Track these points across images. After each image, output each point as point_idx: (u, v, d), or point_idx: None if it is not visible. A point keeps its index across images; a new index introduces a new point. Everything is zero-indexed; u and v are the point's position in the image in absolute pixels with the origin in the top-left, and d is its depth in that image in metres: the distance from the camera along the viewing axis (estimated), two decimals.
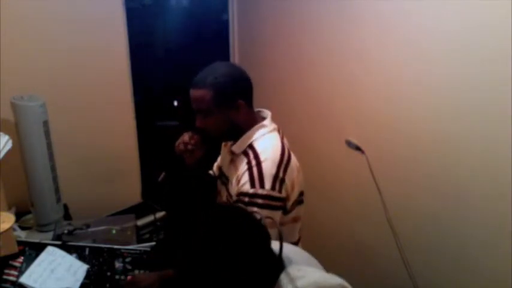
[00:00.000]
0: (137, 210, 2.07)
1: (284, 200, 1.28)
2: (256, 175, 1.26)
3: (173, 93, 2.64)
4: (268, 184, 1.25)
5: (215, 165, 1.65)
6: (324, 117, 2.22)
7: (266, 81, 2.60)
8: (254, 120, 1.39)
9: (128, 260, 1.50)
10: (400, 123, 1.82)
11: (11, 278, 1.33)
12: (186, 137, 1.41)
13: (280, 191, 1.26)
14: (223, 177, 1.51)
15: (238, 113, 1.34)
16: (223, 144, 1.57)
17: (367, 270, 2.11)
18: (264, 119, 1.41)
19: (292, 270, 0.90)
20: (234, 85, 1.33)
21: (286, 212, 1.33)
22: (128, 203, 2.27)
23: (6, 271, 1.35)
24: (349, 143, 2.05)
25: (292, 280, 0.88)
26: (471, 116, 1.55)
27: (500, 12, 1.39)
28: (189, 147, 1.39)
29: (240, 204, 1.26)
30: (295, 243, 1.44)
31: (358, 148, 2.01)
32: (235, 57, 2.81)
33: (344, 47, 2.03)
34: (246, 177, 1.27)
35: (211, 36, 2.82)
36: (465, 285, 1.69)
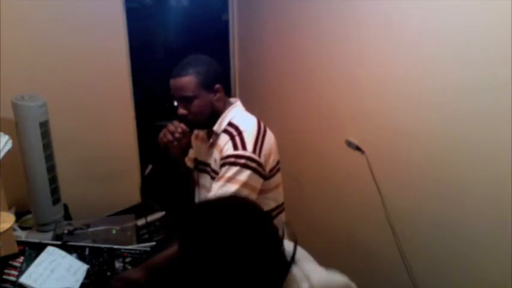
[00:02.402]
0: (137, 210, 2.07)
1: (263, 166, 1.40)
2: (239, 141, 1.39)
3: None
4: (250, 147, 1.38)
5: (186, 159, 1.70)
6: (324, 117, 2.22)
7: (266, 81, 2.60)
8: (229, 104, 1.53)
9: (128, 260, 1.50)
10: (400, 123, 1.82)
11: (11, 278, 1.33)
12: (171, 127, 1.46)
13: (259, 156, 1.39)
14: (201, 165, 1.59)
15: (216, 97, 1.47)
16: (193, 137, 1.66)
17: (367, 270, 2.11)
18: (233, 103, 1.54)
19: (302, 265, 0.92)
20: (213, 71, 1.47)
21: (266, 178, 1.45)
22: (127, 203, 2.27)
23: (6, 271, 1.35)
24: (349, 143, 2.05)
25: (306, 277, 0.89)
26: (471, 117, 1.55)
27: (501, 12, 1.39)
28: (177, 135, 1.45)
29: (225, 166, 1.36)
30: (281, 205, 1.58)
31: (358, 148, 2.01)
32: (235, 57, 2.81)
33: (344, 47, 2.03)
34: (229, 144, 1.40)
35: (211, 37, 2.81)
36: (465, 285, 1.69)
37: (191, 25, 2.77)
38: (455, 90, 1.58)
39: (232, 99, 1.55)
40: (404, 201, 1.86)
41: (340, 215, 2.24)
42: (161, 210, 2.04)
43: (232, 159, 1.36)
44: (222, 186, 1.34)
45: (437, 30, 1.60)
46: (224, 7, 2.75)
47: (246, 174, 1.35)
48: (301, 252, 1.02)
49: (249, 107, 1.59)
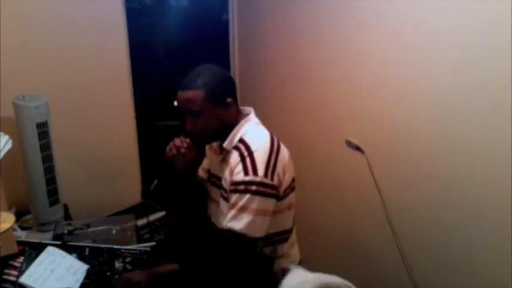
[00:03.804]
0: (137, 210, 2.07)
1: (276, 188, 1.33)
2: (249, 164, 1.30)
3: (173, 93, 2.63)
4: (261, 171, 1.29)
5: (200, 168, 1.66)
6: (324, 117, 2.22)
7: (266, 81, 2.60)
8: (240, 117, 1.44)
9: (128, 260, 1.50)
10: (400, 123, 1.82)
11: (11, 278, 1.33)
12: (177, 141, 1.43)
13: (272, 179, 1.31)
14: (213, 178, 1.54)
15: (227, 112, 1.39)
16: (207, 147, 1.60)
17: (366, 270, 2.11)
18: (247, 115, 1.46)
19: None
20: (223, 84, 1.38)
21: (280, 198, 1.37)
22: (128, 203, 2.27)
23: (6, 271, 1.35)
24: (349, 143, 2.05)
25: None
26: (471, 117, 1.55)
27: (501, 12, 1.39)
28: (182, 150, 1.42)
29: (236, 193, 1.30)
30: (290, 230, 1.49)
31: (358, 148, 2.01)
32: (235, 57, 2.81)
33: (344, 47, 2.03)
34: (239, 167, 1.31)
35: (211, 36, 2.82)
36: (465, 285, 1.69)
37: (191, 25, 2.77)
38: (455, 90, 1.58)
39: (246, 109, 1.47)
40: (404, 201, 1.86)
41: (340, 215, 2.24)
42: (161, 210, 2.04)
43: (243, 187, 1.29)
44: (236, 216, 1.28)
45: (437, 30, 1.60)
46: (224, 7, 2.75)
47: (258, 201, 1.28)
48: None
49: (249, 107, 1.57)
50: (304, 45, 2.26)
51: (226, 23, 2.77)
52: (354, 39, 1.96)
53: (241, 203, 1.28)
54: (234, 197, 1.31)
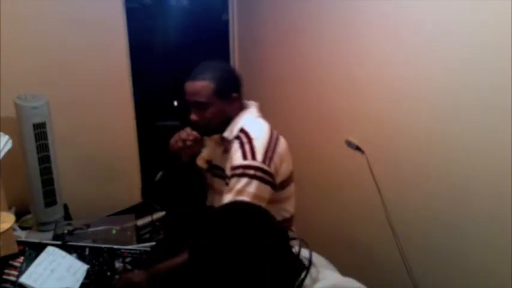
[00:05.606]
0: (137, 210, 2.07)
1: (273, 175, 1.35)
2: (248, 150, 1.34)
3: (173, 93, 2.64)
4: (259, 157, 1.33)
5: (199, 158, 1.67)
6: (324, 117, 2.22)
7: (266, 81, 2.60)
8: (243, 108, 1.49)
9: (128, 260, 1.50)
10: (400, 123, 1.82)
11: (11, 278, 1.34)
12: (184, 134, 1.45)
13: (269, 166, 1.34)
14: (216, 169, 1.56)
15: (231, 106, 1.44)
16: (207, 138, 1.61)
17: (366, 270, 2.11)
18: (249, 108, 1.51)
19: (313, 271, 0.91)
20: (230, 79, 1.45)
21: (276, 188, 1.39)
22: (128, 203, 2.27)
23: (6, 271, 1.35)
24: (349, 143, 2.05)
25: (313, 280, 0.89)
26: (471, 116, 1.55)
27: (501, 12, 1.39)
28: (188, 143, 1.44)
29: (234, 177, 1.32)
30: (290, 218, 1.52)
31: (358, 148, 2.01)
32: (235, 57, 2.81)
33: (344, 47, 2.03)
34: (239, 153, 1.35)
35: (211, 36, 2.81)
36: (465, 285, 1.69)
37: (191, 25, 2.77)
38: (455, 90, 1.58)
39: (249, 103, 1.51)
40: (404, 200, 1.86)
41: (340, 215, 2.24)
42: (161, 210, 2.04)
43: (240, 171, 1.32)
44: (233, 200, 1.30)
45: (437, 30, 1.60)
46: (224, 7, 2.75)
47: (255, 185, 1.30)
48: (318, 258, 1.01)
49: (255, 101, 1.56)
50: (305, 44, 2.26)
51: (226, 23, 2.77)
52: (354, 39, 1.96)
53: (238, 186, 1.31)
54: (231, 182, 1.33)
